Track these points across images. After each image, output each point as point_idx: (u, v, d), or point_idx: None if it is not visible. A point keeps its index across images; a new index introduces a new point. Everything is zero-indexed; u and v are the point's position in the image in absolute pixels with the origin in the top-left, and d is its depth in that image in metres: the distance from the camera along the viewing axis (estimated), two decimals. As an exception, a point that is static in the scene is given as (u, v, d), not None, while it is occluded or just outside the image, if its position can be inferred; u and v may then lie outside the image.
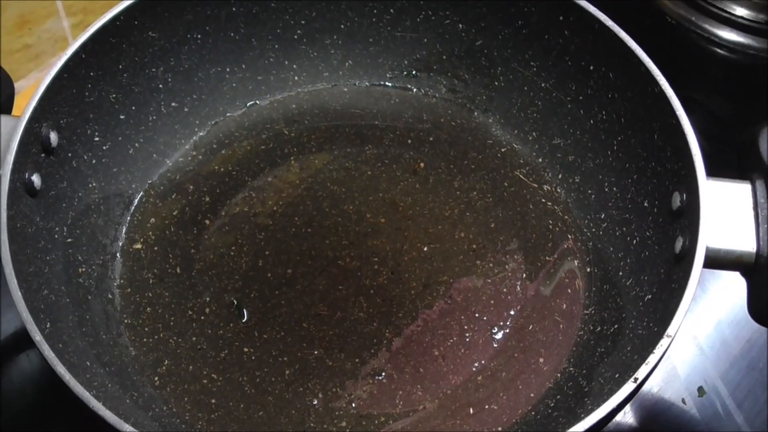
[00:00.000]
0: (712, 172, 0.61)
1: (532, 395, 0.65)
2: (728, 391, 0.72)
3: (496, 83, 0.80)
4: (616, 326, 0.66)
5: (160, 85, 0.76)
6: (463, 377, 0.66)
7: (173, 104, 0.78)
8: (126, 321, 0.69)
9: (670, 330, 0.55)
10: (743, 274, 0.61)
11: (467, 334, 0.68)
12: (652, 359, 0.55)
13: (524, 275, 0.71)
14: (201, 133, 0.79)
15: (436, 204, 0.75)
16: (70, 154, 0.69)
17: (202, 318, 0.69)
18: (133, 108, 0.75)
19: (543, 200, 0.76)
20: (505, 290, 0.71)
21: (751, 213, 0.60)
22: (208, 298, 0.70)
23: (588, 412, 0.53)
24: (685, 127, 0.63)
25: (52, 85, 0.65)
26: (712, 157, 0.64)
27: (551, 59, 0.76)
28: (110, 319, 0.68)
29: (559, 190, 0.76)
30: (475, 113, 0.81)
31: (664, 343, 0.55)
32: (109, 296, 0.69)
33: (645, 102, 0.67)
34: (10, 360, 0.72)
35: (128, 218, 0.74)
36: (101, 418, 0.52)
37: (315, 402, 0.65)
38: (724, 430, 0.70)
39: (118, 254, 0.72)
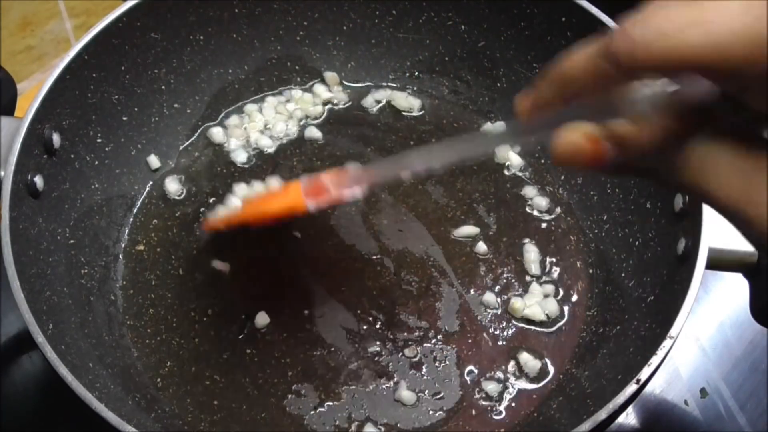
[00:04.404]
0: (715, 173, 0.61)
1: (534, 396, 0.65)
2: (731, 392, 0.72)
3: (499, 85, 0.80)
4: (618, 327, 0.66)
5: (163, 87, 0.76)
6: (466, 378, 0.66)
7: (176, 105, 0.78)
8: (128, 322, 0.69)
9: (673, 331, 0.55)
10: (745, 276, 0.61)
11: (470, 336, 0.68)
12: (654, 360, 0.55)
13: (527, 277, 0.71)
14: (204, 135, 0.79)
15: (439, 206, 0.75)
16: (72, 156, 0.69)
17: (205, 319, 0.69)
18: (136, 109, 0.75)
19: (545, 202, 0.76)
20: (508, 292, 0.71)
21: (754, 214, 0.60)
22: (210, 300, 0.70)
23: (590, 414, 0.53)
24: (688, 128, 0.63)
25: (55, 86, 0.66)
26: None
27: (554, 61, 0.75)
28: (113, 321, 0.68)
29: (561, 192, 0.76)
30: (478, 115, 0.81)
31: (666, 344, 0.55)
32: (112, 298, 0.69)
33: (647, 103, 0.67)
34: (13, 361, 0.72)
35: (131, 219, 0.74)
36: (104, 420, 0.52)
37: (317, 403, 0.65)
38: (726, 431, 0.70)
39: (120, 255, 0.72)
